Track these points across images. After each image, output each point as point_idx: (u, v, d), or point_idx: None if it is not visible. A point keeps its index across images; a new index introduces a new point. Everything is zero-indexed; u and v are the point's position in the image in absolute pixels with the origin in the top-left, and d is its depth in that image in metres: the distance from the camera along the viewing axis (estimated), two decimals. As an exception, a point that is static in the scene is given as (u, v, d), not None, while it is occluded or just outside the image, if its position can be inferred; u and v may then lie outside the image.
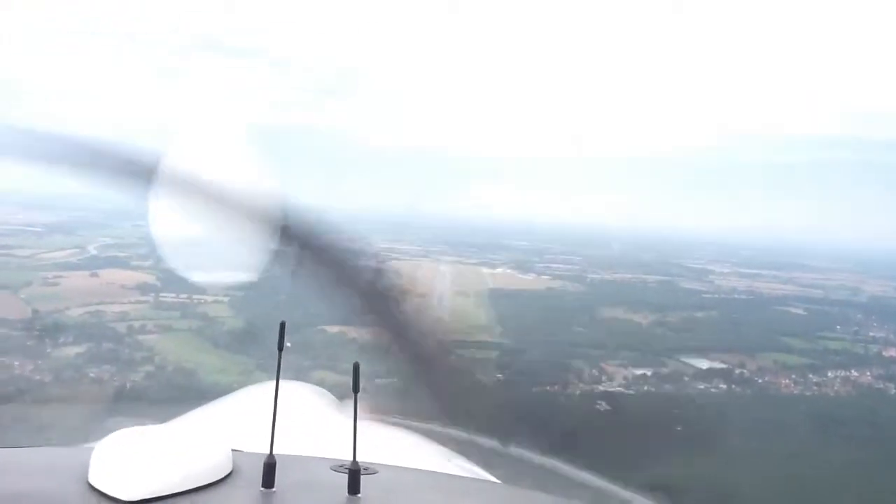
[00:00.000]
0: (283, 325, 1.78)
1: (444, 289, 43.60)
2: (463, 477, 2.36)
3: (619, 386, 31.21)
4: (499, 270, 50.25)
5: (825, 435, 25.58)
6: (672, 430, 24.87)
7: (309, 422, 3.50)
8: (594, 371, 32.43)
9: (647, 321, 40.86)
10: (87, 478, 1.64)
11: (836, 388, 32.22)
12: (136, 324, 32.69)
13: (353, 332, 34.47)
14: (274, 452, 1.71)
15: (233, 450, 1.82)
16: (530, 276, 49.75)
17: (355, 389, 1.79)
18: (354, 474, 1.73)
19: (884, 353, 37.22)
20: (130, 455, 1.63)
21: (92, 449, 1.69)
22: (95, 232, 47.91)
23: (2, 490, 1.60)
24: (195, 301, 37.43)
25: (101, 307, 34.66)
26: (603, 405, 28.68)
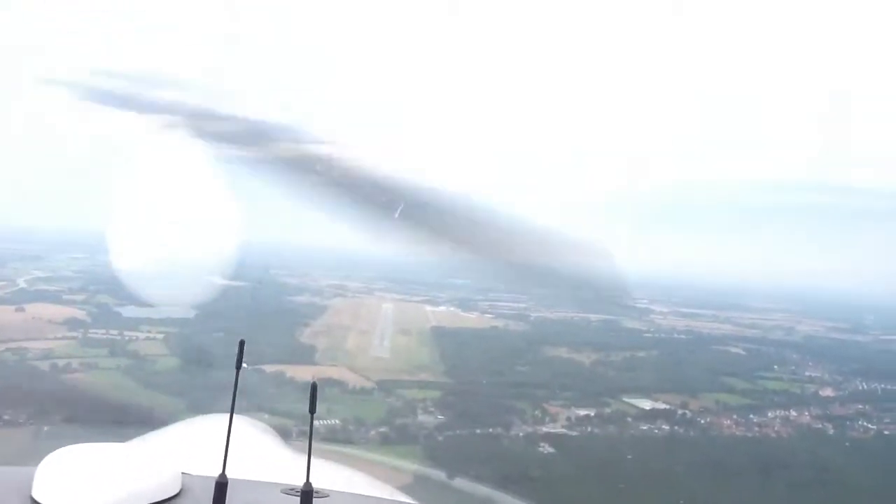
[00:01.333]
0: (241, 344, 1.79)
1: (387, 326, 43.06)
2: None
3: (563, 427, 30.77)
4: (442, 308, 49.79)
5: (770, 479, 25.49)
6: (617, 475, 24.55)
7: (256, 451, 3.41)
8: (537, 412, 31.99)
9: (589, 360, 40.80)
10: (30, 494, 1.62)
11: (776, 428, 32.41)
12: (61, 362, 31.17)
13: (290, 371, 33.67)
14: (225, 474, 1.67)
15: (182, 472, 1.80)
16: (473, 315, 49.38)
17: (311, 410, 1.76)
18: (307, 496, 1.69)
19: (820, 393, 37.77)
20: (77, 471, 1.62)
21: (35, 468, 1.67)
22: (28, 265, 46.29)
23: None
24: (126, 338, 36.03)
25: (24, 343, 33.02)
26: (546, 447, 28.21)
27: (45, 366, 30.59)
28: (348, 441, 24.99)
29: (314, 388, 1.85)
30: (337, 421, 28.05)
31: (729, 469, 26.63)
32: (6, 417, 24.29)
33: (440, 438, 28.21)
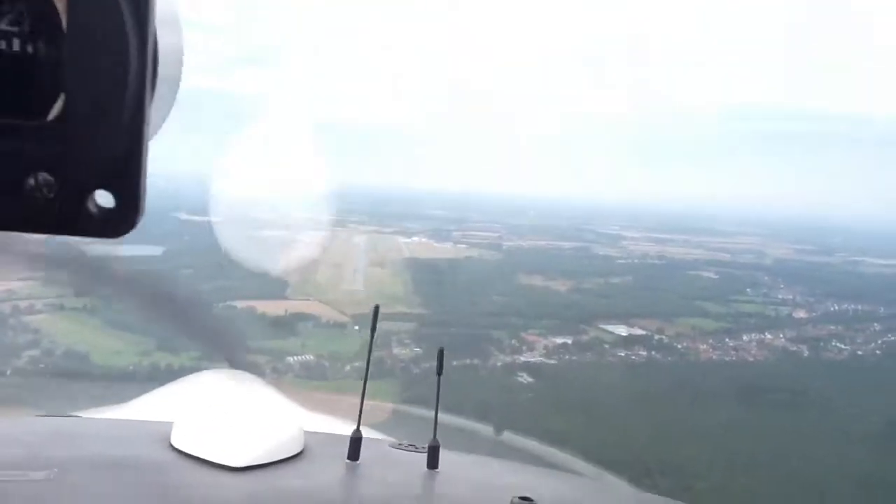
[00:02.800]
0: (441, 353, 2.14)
1: (360, 259, 42.47)
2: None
3: (541, 356, 30.59)
4: (415, 239, 49.24)
5: (750, 404, 25.57)
6: (597, 401, 24.46)
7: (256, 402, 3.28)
8: (514, 341, 31.76)
9: (564, 288, 40.66)
10: (169, 443, 1.66)
11: (752, 352, 32.52)
12: (23, 304, 30.12)
13: (262, 307, 33.08)
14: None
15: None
16: (447, 245, 48.94)
17: (439, 372, 1.93)
18: (434, 450, 1.80)
19: (794, 315, 38.07)
20: (224, 423, 1.70)
21: (165, 422, 1.71)
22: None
23: (91, 457, 1.57)
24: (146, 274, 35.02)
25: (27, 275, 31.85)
26: (525, 377, 28.04)
27: (6, 308, 29.54)
28: (323, 377, 24.57)
29: (441, 353, 1.99)
30: (311, 357, 27.58)
31: (708, 393, 26.64)
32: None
33: (416, 371, 27.85)
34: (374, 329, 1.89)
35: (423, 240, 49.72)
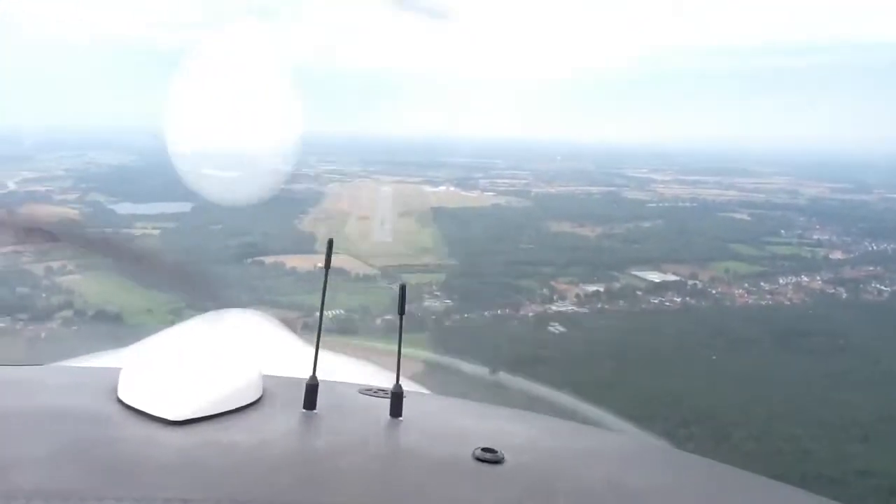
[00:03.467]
0: (403, 288, 1.76)
1: (386, 210, 42.25)
2: (480, 403, 2.14)
3: (572, 305, 30.27)
4: (441, 189, 48.83)
5: (789, 349, 25.07)
6: (631, 351, 24.16)
7: (283, 346, 3.41)
8: (545, 290, 31.44)
9: (594, 234, 40.18)
10: (115, 395, 1.61)
11: (789, 295, 31.92)
12: (55, 264, 30.40)
13: (290, 262, 33.05)
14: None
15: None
16: (474, 193, 48.49)
17: (401, 311, 1.67)
18: (397, 397, 1.66)
19: (830, 257, 37.28)
20: (168, 373, 1.61)
21: (117, 370, 1.65)
22: (17, 165, 45.27)
23: (32, 406, 1.56)
24: (122, 236, 35.24)
25: (17, 246, 32.13)
26: (557, 327, 27.78)
27: (39, 268, 29.84)
28: (353, 331, 24.51)
29: (402, 288, 1.73)
30: (341, 311, 27.52)
31: (745, 339, 26.16)
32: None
33: (448, 323, 27.73)
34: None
35: (451, 188, 49.33)
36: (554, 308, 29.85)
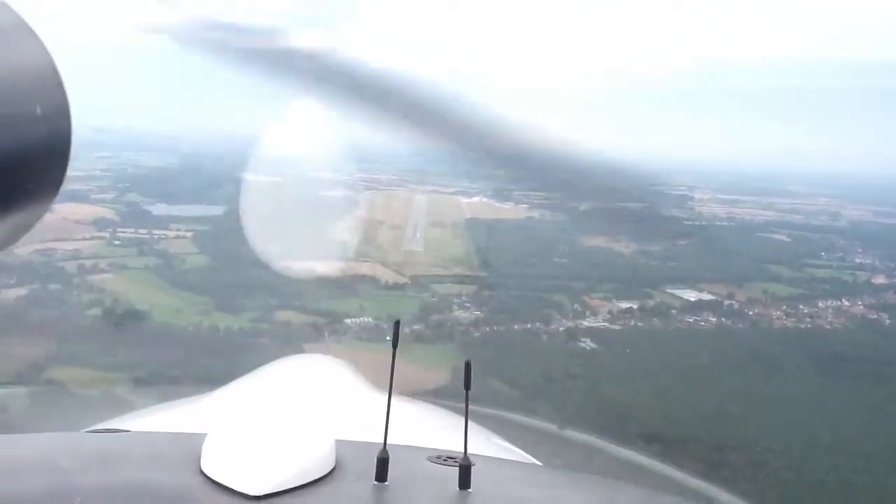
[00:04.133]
0: (397, 325, 1.89)
1: (419, 219, 42.07)
2: (556, 468, 2.23)
3: (605, 321, 29.78)
4: (475, 200, 48.54)
5: (828, 374, 24.37)
6: (664, 371, 23.61)
7: (349, 402, 3.43)
8: (577, 305, 30.98)
9: (629, 250, 39.53)
10: (198, 465, 1.64)
11: (829, 319, 31.09)
12: (88, 263, 30.64)
13: (320, 268, 32.95)
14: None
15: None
16: (508, 205, 48.09)
17: (467, 387, 1.72)
18: (465, 469, 1.69)
19: (872, 281, 36.27)
20: (251, 446, 1.62)
21: (201, 436, 1.68)
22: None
23: (120, 480, 1.59)
24: (155, 237, 35.45)
25: (52, 244, 32.49)
26: (588, 343, 27.31)
27: (72, 267, 30.11)
28: (381, 340, 24.30)
29: (468, 366, 1.74)
30: (369, 319, 27.35)
31: (783, 363, 25.50)
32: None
33: (477, 335, 27.42)
34: (395, 343, 1.76)
35: (485, 200, 48.99)
36: (585, 323, 29.40)
